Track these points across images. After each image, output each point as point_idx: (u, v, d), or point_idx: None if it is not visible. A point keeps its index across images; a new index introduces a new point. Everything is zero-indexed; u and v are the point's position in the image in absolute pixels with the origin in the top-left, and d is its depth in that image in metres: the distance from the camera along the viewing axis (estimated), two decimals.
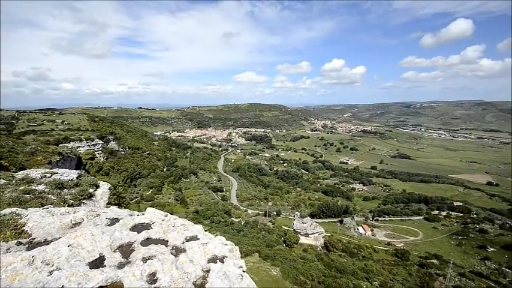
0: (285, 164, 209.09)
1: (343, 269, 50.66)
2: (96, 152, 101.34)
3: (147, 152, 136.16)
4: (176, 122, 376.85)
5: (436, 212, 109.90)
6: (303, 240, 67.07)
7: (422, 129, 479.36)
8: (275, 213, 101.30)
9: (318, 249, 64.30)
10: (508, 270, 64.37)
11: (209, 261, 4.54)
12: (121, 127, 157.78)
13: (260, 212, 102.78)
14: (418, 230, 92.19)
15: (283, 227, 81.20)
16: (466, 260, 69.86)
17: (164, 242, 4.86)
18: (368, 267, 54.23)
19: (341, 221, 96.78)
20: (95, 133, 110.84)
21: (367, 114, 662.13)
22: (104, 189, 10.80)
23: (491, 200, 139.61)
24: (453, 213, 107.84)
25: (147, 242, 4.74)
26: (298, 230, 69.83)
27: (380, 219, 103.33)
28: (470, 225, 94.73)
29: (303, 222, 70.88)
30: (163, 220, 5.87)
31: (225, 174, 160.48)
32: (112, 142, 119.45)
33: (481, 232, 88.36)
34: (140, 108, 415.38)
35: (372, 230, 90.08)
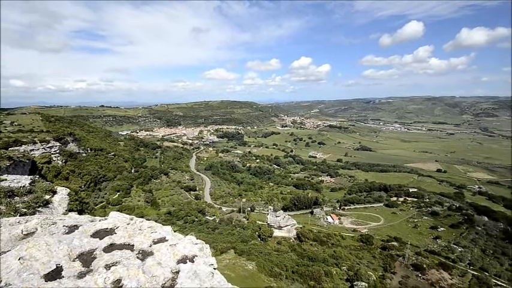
0: (257, 160, 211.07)
1: (315, 257, 53.17)
2: (53, 155, 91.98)
3: (112, 153, 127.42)
4: (144, 120, 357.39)
5: (395, 198, 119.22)
6: (276, 233, 68.75)
7: (381, 123, 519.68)
8: (249, 209, 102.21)
9: (291, 240, 66.49)
10: (455, 246, 72.89)
11: (179, 262, 4.52)
12: (81, 127, 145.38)
13: (234, 209, 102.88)
14: (380, 215, 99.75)
15: (257, 221, 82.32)
16: (421, 240, 77.55)
17: (130, 247, 4.71)
18: (337, 254, 57.62)
19: (312, 212, 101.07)
20: (51, 134, 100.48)
21: (333, 110, 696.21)
22: (62, 195, 10.00)
23: (441, 185, 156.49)
24: (409, 199, 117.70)
25: (110, 248, 4.55)
26: (272, 224, 71.38)
27: (346, 208, 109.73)
28: (423, 208, 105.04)
29: (276, 216, 72.60)
30: (128, 224, 5.65)
31: (198, 172, 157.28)
32: (71, 144, 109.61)
33: (433, 214, 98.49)
34: (102, 106, 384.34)
35: (339, 219, 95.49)
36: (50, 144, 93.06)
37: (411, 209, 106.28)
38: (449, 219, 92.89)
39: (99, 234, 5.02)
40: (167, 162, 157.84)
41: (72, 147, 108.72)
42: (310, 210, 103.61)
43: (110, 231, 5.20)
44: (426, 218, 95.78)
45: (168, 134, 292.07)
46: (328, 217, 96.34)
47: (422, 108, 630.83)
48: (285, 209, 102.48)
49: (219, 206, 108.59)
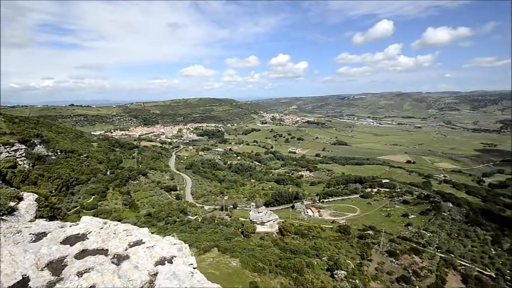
0: (238, 157, 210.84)
1: (297, 250, 54.54)
2: (18, 159, 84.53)
3: (85, 155, 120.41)
4: (118, 119, 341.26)
5: (369, 189, 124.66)
6: (259, 228, 69.47)
7: (355, 118, 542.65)
8: (232, 206, 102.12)
9: (274, 235, 67.58)
10: (424, 232, 78.23)
11: (157, 264, 4.46)
12: (49, 128, 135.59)
13: (217, 207, 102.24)
14: (356, 206, 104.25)
15: (240, 218, 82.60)
16: (394, 228, 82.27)
17: (104, 252, 4.57)
18: (317, 245, 59.56)
19: (293, 207, 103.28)
20: (15, 137, 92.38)
21: (310, 106, 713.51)
22: (29, 201, 9.37)
23: (410, 175, 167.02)
24: (382, 190, 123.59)
25: (82, 254, 4.39)
26: (255, 220, 71.98)
27: (325, 200, 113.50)
28: (395, 198, 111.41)
29: (259, 212, 73.29)
30: (101, 228, 5.46)
31: (178, 172, 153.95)
32: (39, 146, 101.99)
33: (404, 203, 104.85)
34: (72, 105, 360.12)
35: (319, 211, 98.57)
36: (14, 147, 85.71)
37: (384, 198, 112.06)
38: (419, 207, 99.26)
39: (69, 240, 4.82)
40: (145, 163, 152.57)
41: (40, 149, 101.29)
42: (291, 204, 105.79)
43: (81, 237, 5.00)
44: (398, 206, 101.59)
45: (146, 133, 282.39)
46: (309, 210, 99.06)
47: (393, 104, 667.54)
48: (267, 204, 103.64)
49: (201, 205, 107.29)
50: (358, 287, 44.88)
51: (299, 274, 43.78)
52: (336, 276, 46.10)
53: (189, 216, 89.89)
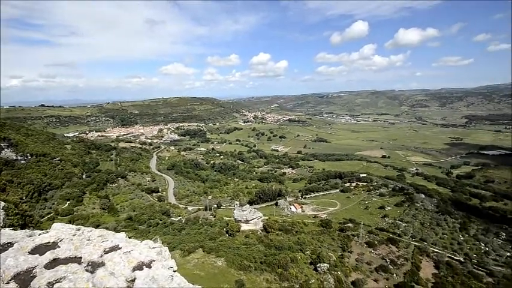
0: (221, 157, 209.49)
1: (281, 246, 55.42)
2: None
3: (58, 158, 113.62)
4: (94, 120, 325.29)
5: (348, 184, 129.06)
6: (244, 227, 69.61)
7: (334, 116, 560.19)
8: (216, 206, 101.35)
9: (258, 232, 68.06)
10: (400, 222, 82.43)
11: (134, 269, 4.37)
12: (17, 131, 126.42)
13: (201, 207, 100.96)
14: (336, 201, 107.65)
15: (224, 218, 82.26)
16: (372, 220, 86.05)
17: (77, 260, 4.39)
18: (301, 240, 60.87)
19: (276, 204, 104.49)
20: None
21: (291, 104, 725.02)
22: None
23: (385, 169, 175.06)
24: (360, 184, 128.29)
25: (53, 263, 4.18)
26: (239, 218, 71.99)
27: (307, 196, 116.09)
28: (372, 191, 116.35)
29: (243, 210, 73.36)
30: (74, 235, 5.24)
31: (160, 173, 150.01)
32: (6, 150, 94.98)
33: (380, 196, 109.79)
34: (43, 105, 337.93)
35: (301, 207, 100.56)
36: None
37: (362, 192, 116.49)
38: (394, 199, 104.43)
39: (39, 249, 4.56)
40: (124, 165, 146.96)
41: (7, 153, 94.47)
42: (275, 201, 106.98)
43: (52, 245, 4.76)
44: (375, 199, 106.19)
45: (124, 134, 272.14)
46: (292, 207, 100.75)
47: (368, 102, 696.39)
48: (251, 202, 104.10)
49: (184, 206, 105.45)
50: (340, 278, 46.57)
51: (284, 269, 44.61)
52: (319, 269, 47.45)
53: (172, 218, 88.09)
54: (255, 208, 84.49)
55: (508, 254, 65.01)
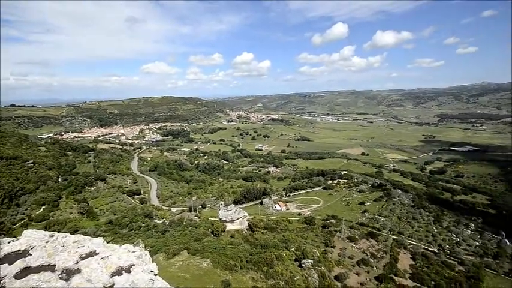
0: (205, 157, 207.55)
1: (266, 244, 56.42)
2: None
3: (31, 161, 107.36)
4: (70, 120, 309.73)
5: (330, 181, 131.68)
6: (229, 227, 69.97)
7: (316, 115, 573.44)
8: (200, 206, 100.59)
9: (244, 232, 68.70)
10: (379, 217, 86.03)
11: (113, 275, 4.25)
12: None
13: (185, 209, 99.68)
14: (319, 198, 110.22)
15: (209, 218, 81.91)
16: (353, 215, 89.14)
17: (50, 267, 4.15)
18: (285, 238, 62.25)
19: (261, 203, 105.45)
20: None
21: (274, 104, 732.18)
22: None
23: (365, 166, 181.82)
24: (341, 181, 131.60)
25: (24, 272, 3.96)
26: (224, 218, 72.26)
27: (291, 194, 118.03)
28: (353, 188, 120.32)
29: (228, 210, 73.72)
30: (47, 242, 4.93)
31: (142, 174, 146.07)
32: None
33: (360, 192, 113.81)
34: (13, 105, 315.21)
35: (286, 205, 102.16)
36: None
37: (343, 189, 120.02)
38: (373, 194, 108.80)
39: (8, 258, 4.27)
40: (103, 167, 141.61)
41: None
42: (259, 200, 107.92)
43: (23, 253, 4.40)
44: (355, 195, 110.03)
45: (103, 135, 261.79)
46: (276, 205, 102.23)
47: (348, 101, 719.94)
48: (236, 202, 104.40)
49: (168, 208, 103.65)
50: (323, 273, 48.42)
51: (269, 267, 45.65)
52: (303, 265, 49.01)
53: (155, 220, 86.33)
54: (240, 208, 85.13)
55: (477, 243, 70.21)
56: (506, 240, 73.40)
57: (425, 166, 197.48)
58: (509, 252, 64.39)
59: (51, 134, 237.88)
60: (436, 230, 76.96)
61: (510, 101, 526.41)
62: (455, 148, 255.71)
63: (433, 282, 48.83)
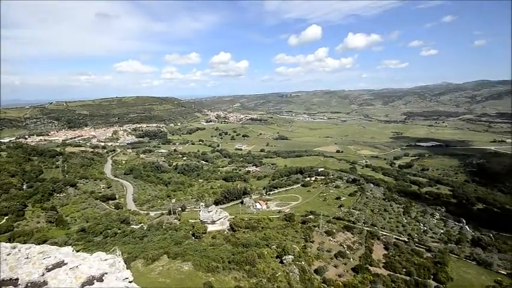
0: (184, 158, 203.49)
1: (248, 243, 57.06)
2: None
3: None
4: (34, 123, 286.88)
5: (308, 178, 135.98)
6: (210, 228, 69.54)
7: (293, 114, 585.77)
8: (180, 209, 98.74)
9: (225, 232, 68.71)
10: (354, 210, 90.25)
11: (83, 285, 4.10)
12: None
13: (164, 212, 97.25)
14: (298, 195, 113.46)
15: (190, 220, 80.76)
16: (330, 210, 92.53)
17: (12, 282, 3.88)
18: (267, 236, 63.39)
19: (242, 202, 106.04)
20: None
21: (253, 103, 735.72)
22: None
23: (340, 163, 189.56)
24: (319, 178, 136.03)
25: None
26: (205, 220, 71.68)
27: (271, 193, 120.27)
28: (329, 184, 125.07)
29: (209, 211, 73.20)
30: (9, 254, 4.62)
31: (116, 178, 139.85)
32: None
33: (336, 187, 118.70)
34: None
35: (266, 204, 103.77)
36: None
37: (321, 185, 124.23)
38: (348, 189, 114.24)
39: None
40: (73, 171, 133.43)
41: None
42: (240, 200, 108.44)
43: None
44: (332, 191, 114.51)
45: (72, 138, 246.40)
46: (257, 204, 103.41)
47: (323, 101, 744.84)
48: (216, 203, 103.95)
49: (146, 212, 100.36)
50: (304, 267, 50.20)
51: (251, 266, 46.38)
52: (284, 261, 50.41)
53: (132, 226, 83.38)
54: (221, 208, 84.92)
55: (442, 231, 76.74)
56: (467, 227, 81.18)
57: (395, 161, 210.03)
58: (469, 238, 71.28)
59: (14, 138, 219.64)
60: (405, 221, 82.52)
61: (467, 99, 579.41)
62: (421, 144, 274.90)
63: (404, 270, 52.59)
